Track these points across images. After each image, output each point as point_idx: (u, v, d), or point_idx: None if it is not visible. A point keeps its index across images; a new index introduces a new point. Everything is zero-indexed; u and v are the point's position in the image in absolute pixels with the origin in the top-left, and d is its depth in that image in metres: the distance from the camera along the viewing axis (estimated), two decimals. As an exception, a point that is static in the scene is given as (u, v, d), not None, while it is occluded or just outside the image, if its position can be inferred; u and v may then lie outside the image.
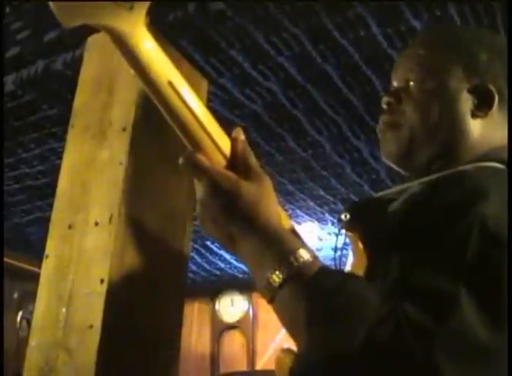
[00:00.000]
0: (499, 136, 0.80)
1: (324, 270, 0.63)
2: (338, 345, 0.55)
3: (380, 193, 0.85)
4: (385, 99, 0.90)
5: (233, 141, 0.68)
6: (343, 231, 0.82)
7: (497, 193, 0.62)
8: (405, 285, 0.60)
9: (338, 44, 1.73)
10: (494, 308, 0.55)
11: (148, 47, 0.63)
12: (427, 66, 0.85)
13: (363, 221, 0.80)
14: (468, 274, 0.56)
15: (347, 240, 0.84)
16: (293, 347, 0.72)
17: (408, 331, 0.53)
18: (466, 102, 0.82)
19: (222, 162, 0.67)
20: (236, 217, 0.65)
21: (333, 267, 0.82)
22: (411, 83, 0.86)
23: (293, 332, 0.63)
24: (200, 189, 0.68)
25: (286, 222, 0.74)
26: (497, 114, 0.82)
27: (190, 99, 0.65)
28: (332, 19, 1.62)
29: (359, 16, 1.60)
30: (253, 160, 0.68)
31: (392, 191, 0.83)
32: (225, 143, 0.68)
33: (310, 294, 0.60)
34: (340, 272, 0.68)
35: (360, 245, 0.79)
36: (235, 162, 0.67)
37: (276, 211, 0.68)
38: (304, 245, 0.65)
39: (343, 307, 0.58)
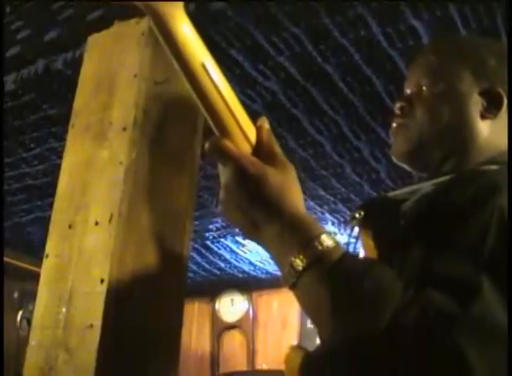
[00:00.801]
0: (503, 144, 0.82)
1: (348, 255, 0.64)
2: (363, 329, 0.56)
3: (393, 193, 0.87)
4: (398, 104, 0.92)
5: (259, 129, 0.69)
6: (356, 228, 0.83)
7: (508, 189, 0.64)
8: (427, 274, 0.61)
9: (338, 44, 1.73)
10: None
11: (185, 29, 0.64)
12: (437, 71, 0.88)
13: (376, 219, 0.81)
14: (489, 262, 0.58)
15: (359, 237, 0.85)
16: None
17: (432, 316, 0.55)
18: (476, 104, 0.84)
19: (248, 149, 0.68)
20: (261, 202, 0.66)
21: None
22: (423, 88, 0.89)
23: (316, 317, 0.64)
24: (225, 174, 0.67)
25: None
26: (505, 116, 0.84)
27: (221, 83, 0.66)
28: (332, 19, 1.62)
29: (360, 16, 1.60)
30: (277, 149, 0.69)
31: (405, 191, 0.84)
32: (251, 131, 0.69)
33: (335, 279, 0.61)
34: (364, 258, 0.69)
35: (371, 243, 0.80)
36: (260, 150, 0.68)
37: (300, 198, 0.69)
38: (327, 231, 0.65)
39: (368, 292, 0.59)
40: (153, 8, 0.62)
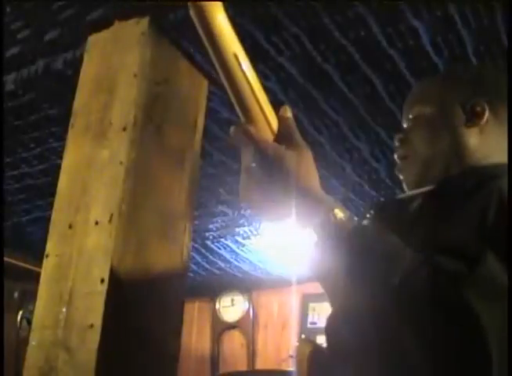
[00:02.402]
0: (496, 147, 0.89)
1: (361, 225, 0.71)
2: (378, 287, 0.63)
3: (402, 195, 0.94)
4: (396, 138, 0.99)
5: (281, 117, 0.75)
6: None
7: (508, 189, 0.69)
8: (434, 244, 0.68)
9: (339, 43, 1.72)
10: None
11: (221, 20, 0.70)
12: (422, 99, 0.97)
13: (385, 218, 0.86)
14: (490, 236, 0.64)
15: None
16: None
17: (442, 276, 0.61)
18: (461, 117, 0.91)
19: (270, 135, 0.73)
20: (278, 182, 0.71)
21: None
22: (413, 118, 0.97)
23: (332, 284, 0.71)
24: (245, 157, 0.73)
25: None
26: (492, 126, 0.90)
27: (250, 73, 0.72)
28: (332, 18, 1.62)
29: (360, 16, 1.60)
30: (297, 135, 0.75)
31: (413, 193, 0.91)
32: (273, 119, 0.74)
33: (350, 246, 0.68)
34: (376, 229, 0.75)
35: None
36: (281, 136, 0.74)
37: (316, 180, 0.74)
38: (340, 206, 0.72)
39: (380, 255, 0.66)
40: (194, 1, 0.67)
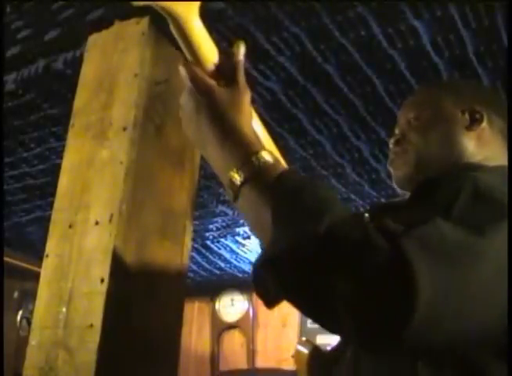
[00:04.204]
0: (491, 154, 0.90)
1: (288, 171, 0.66)
2: (302, 237, 0.57)
3: (396, 199, 0.95)
4: (392, 140, 0.99)
5: (228, 55, 0.75)
6: None
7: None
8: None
9: (339, 43, 1.72)
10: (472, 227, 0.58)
11: (198, 30, 0.72)
12: (421, 104, 0.98)
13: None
14: (454, 216, 0.59)
15: None
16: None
17: (376, 230, 0.55)
18: (460, 122, 0.92)
19: (212, 72, 0.74)
20: (206, 118, 0.71)
21: None
22: (411, 121, 0.97)
23: (258, 230, 0.67)
24: (183, 91, 0.75)
25: (271, 145, 0.84)
26: (489, 132, 0.92)
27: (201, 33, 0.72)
28: (333, 18, 1.62)
29: (360, 16, 1.60)
30: (240, 76, 0.74)
31: (403, 199, 0.91)
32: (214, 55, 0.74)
33: (274, 193, 0.63)
34: (304, 176, 0.71)
35: None
36: (223, 75, 0.74)
37: (247, 120, 0.73)
38: (268, 149, 0.69)
39: (308, 202, 0.61)
40: (172, 13, 0.69)
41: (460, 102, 0.94)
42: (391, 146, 0.99)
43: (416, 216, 0.61)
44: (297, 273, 0.56)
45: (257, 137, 0.77)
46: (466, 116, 0.92)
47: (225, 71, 0.74)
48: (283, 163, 0.74)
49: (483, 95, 0.99)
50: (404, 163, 0.94)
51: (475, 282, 0.56)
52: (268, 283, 0.59)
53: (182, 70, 0.73)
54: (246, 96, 0.74)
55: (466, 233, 0.57)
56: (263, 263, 0.60)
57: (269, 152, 0.68)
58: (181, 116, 0.76)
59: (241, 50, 0.76)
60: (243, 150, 0.67)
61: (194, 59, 0.73)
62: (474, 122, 0.92)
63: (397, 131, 1.01)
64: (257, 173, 0.65)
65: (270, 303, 0.62)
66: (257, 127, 0.80)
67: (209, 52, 0.74)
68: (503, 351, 0.61)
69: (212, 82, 0.73)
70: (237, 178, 0.65)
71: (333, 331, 0.60)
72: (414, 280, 0.51)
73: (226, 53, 0.76)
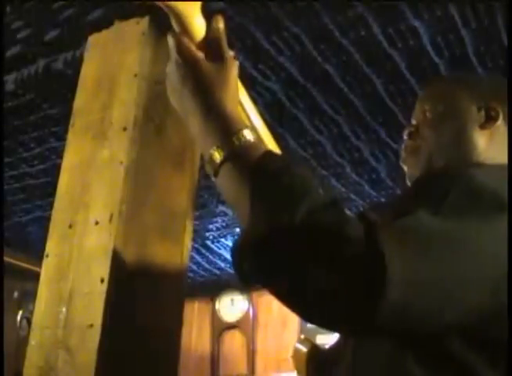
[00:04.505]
0: (503, 153, 0.89)
1: (268, 153, 0.65)
2: (278, 222, 0.56)
3: (392, 199, 0.91)
4: (406, 131, 0.98)
5: (211, 28, 0.73)
6: None
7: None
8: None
9: (339, 43, 1.73)
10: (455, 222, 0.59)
11: (199, 25, 0.71)
12: (437, 96, 0.96)
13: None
14: (440, 208, 0.60)
15: None
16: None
17: (355, 220, 0.56)
18: (475, 118, 0.91)
19: (198, 44, 0.72)
20: (190, 89, 0.69)
21: None
22: (426, 113, 0.96)
23: (236, 209, 0.65)
24: (169, 62, 0.73)
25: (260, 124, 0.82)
26: (501, 133, 0.90)
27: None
28: (333, 18, 1.62)
29: (360, 16, 1.60)
30: (225, 49, 0.72)
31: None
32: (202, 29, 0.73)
33: (253, 175, 0.62)
34: (285, 157, 0.69)
35: None
36: (209, 48, 0.72)
37: (233, 96, 0.71)
38: (251, 128, 0.67)
39: (286, 187, 0.59)
40: (174, 9, 0.68)
41: (477, 97, 0.93)
42: (405, 137, 0.98)
43: (402, 210, 0.61)
44: (272, 259, 0.56)
45: (243, 114, 0.75)
46: (482, 113, 0.91)
47: (213, 47, 0.73)
48: (265, 142, 0.74)
49: (500, 90, 0.95)
50: (416, 162, 0.94)
51: (446, 268, 0.57)
52: (245, 266, 0.59)
53: (170, 40, 0.72)
54: (234, 71, 0.72)
55: (442, 223, 0.58)
56: (239, 248, 0.60)
57: (252, 130, 0.66)
58: (166, 85, 0.74)
59: (220, 25, 0.74)
60: (225, 128, 0.65)
61: (178, 22, 0.72)
62: (489, 120, 0.90)
63: (413, 121, 1.00)
64: (237, 153, 0.64)
65: (247, 282, 0.62)
66: (246, 102, 0.78)
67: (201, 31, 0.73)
68: (487, 345, 0.62)
69: (200, 55, 0.71)
70: (217, 156, 0.64)
71: (305, 318, 0.60)
72: (384, 269, 0.52)
73: (210, 30, 0.73)
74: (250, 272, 0.59)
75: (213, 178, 0.66)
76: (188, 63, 0.70)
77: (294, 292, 0.56)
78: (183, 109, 0.71)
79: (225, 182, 0.65)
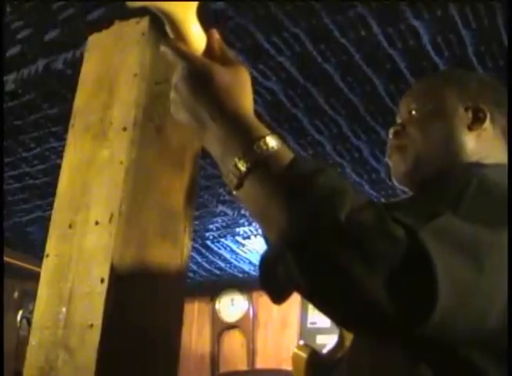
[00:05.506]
0: (490, 154, 0.89)
1: (299, 156, 0.62)
2: (323, 219, 0.55)
3: (394, 200, 0.90)
4: (391, 130, 0.97)
5: (210, 36, 0.71)
6: None
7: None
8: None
9: (339, 43, 1.73)
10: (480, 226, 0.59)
11: (195, 32, 0.69)
12: (424, 95, 0.96)
13: None
14: (462, 210, 0.61)
15: None
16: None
17: (392, 221, 0.56)
18: (462, 119, 0.90)
19: (201, 50, 0.70)
20: (205, 99, 0.65)
21: None
22: (413, 112, 0.95)
23: (267, 218, 0.62)
24: (175, 73, 0.68)
25: None
26: (491, 132, 0.90)
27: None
28: (333, 18, 1.62)
29: (360, 16, 1.60)
30: (231, 53, 0.70)
31: (404, 199, 0.89)
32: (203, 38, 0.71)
33: (287, 179, 0.60)
34: (315, 160, 0.67)
35: None
36: (213, 53, 0.70)
37: (249, 100, 0.68)
38: (273, 134, 0.64)
39: (325, 187, 0.58)
40: (168, 14, 0.66)
41: (465, 97, 0.92)
42: (390, 136, 0.97)
43: (427, 211, 0.60)
44: (317, 259, 0.55)
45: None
46: (469, 114, 0.90)
47: (219, 54, 0.70)
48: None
49: (489, 91, 0.95)
50: (402, 160, 0.92)
51: (488, 274, 0.57)
52: (280, 274, 0.57)
53: (168, 51, 0.68)
54: (246, 75, 0.69)
55: (476, 228, 0.58)
56: (273, 252, 0.58)
57: (275, 136, 0.63)
58: (172, 98, 0.69)
59: (217, 36, 0.72)
60: (248, 135, 0.62)
61: (173, 28, 0.69)
62: (476, 121, 0.89)
63: (398, 119, 0.99)
64: (264, 160, 0.60)
65: (278, 298, 0.61)
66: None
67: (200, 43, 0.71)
68: (503, 356, 0.61)
69: (209, 61, 0.68)
70: (242, 165, 0.61)
71: (339, 321, 0.59)
72: (433, 272, 0.53)
73: (211, 39, 0.71)
74: (290, 276, 0.56)
75: (234, 191, 0.63)
76: (200, 71, 0.66)
77: (338, 293, 0.55)
78: (196, 119, 0.67)
79: (253, 192, 0.61)
